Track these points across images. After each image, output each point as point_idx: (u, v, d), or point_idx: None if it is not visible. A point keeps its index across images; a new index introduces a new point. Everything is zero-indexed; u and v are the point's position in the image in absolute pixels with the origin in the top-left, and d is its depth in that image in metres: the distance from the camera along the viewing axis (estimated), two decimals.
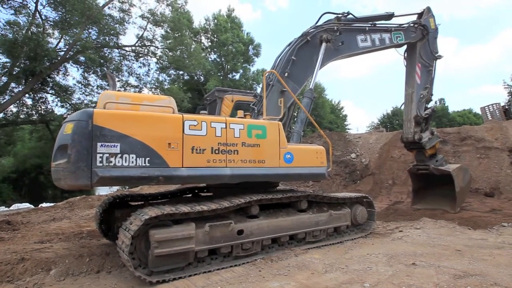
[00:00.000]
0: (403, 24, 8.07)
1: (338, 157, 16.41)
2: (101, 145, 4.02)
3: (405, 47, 8.61)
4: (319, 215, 5.99)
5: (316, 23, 7.01)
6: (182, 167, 4.52)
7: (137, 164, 4.21)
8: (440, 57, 8.69)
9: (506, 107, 23.94)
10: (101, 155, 4.01)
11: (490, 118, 22.45)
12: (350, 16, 7.32)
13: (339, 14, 7.22)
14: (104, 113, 4.18)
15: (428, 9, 8.49)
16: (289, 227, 5.55)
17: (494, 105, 23.38)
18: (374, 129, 40.89)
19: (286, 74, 6.34)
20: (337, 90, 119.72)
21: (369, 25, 7.47)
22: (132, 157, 4.19)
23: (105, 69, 21.07)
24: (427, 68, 8.48)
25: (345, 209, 6.51)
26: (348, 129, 48.09)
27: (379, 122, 53.70)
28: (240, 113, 5.72)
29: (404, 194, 13.36)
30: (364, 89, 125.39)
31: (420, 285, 3.93)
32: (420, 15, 8.44)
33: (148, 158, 4.28)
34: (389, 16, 7.97)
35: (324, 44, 6.69)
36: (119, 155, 4.11)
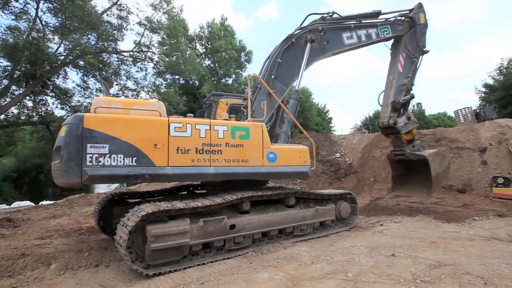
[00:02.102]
0: (389, 18, 7.92)
1: (324, 157, 16.53)
2: (91, 146, 4.11)
3: (392, 40, 8.43)
4: (306, 210, 6.02)
5: (301, 24, 6.85)
6: (168, 166, 4.55)
7: (125, 164, 4.27)
8: (427, 51, 8.51)
9: (477, 110, 24.43)
10: (90, 155, 4.10)
11: (463, 121, 22.92)
12: (335, 15, 7.15)
13: (324, 14, 7.06)
14: (93, 116, 4.28)
15: (420, 5, 8.34)
16: (278, 222, 5.56)
17: (466, 109, 23.87)
18: (357, 130, 41.30)
19: (273, 76, 6.27)
20: (323, 95, 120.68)
21: (355, 22, 7.29)
22: (120, 157, 4.25)
23: (104, 73, 20.78)
24: (411, 59, 8.32)
25: (330, 204, 6.55)
26: (333, 130, 48.43)
27: (361, 124, 54.24)
28: (225, 115, 5.75)
29: (384, 191, 13.54)
30: (348, 94, 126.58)
31: (399, 275, 3.98)
32: (410, 10, 8.31)
33: (135, 158, 4.33)
34: (377, 14, 7.80)
35: (308, 45, 6.56)
36: (108, 155, 4.18)
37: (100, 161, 4.13)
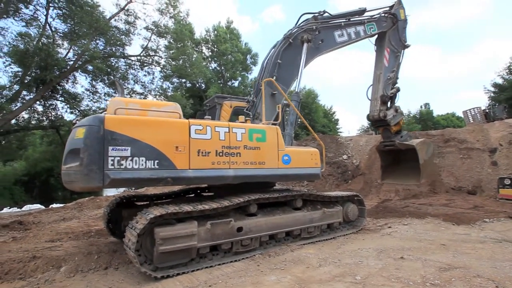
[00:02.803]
0: (374, 15, 8.16)
1: (331, 159, 16.44)
2: (113, 149, 4.00)
3: (376, 35, 8.69)
4: (313, 212, 6.00)
5: (296, 24, 6.96)
6: (189, 168, 4.51)
7: (147, 167, 4.19)
8: (408, 45, 8.86)
9: (487, 110, 24.09)
10: (112, 158, 3.99)
11: (472, 121, 22.61)
12: (326, 14, 7.32)
13: (315, 13, 7.19)
14: (115, 118, 4.16)
15: (399, 1, 8.64)
16: (285, 224, 5.55)
17: (475, 109, 23.55)
18: (364, 132, 41.01)
19: (274, 78, 6.30)
20: (329, 96, 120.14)
21: (344, 20, 7.49)
22: (142, 160, 4.17)
23: (112, 77, 21.02)
24: (395, 54, 8.65)
25: (337, 207, 6.52)
26: (340, 132, 48.11)
27: (368, 126, 53.84)
28: (242, 118, 5.75)
29: (392, 193, 13.40)
30: (354, 95, 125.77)
31: (408, 277, 3.94)
32: (391, 7, 8.58)
33: (157, 161, 4.27)
34: (362, 11, 8.04)
35: (305, 45, 6.64)
36: (130, 158, 4.09)
37: (122, 164, 4.04)
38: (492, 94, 35.61)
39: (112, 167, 3.97)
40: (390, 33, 8.41)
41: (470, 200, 11.19)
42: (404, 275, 4.02)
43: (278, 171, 5.50)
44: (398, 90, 8.45)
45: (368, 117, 8.52)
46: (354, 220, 6.89)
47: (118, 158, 4.02)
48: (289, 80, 6.57)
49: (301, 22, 7.05)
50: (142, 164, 4.17)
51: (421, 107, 61.47)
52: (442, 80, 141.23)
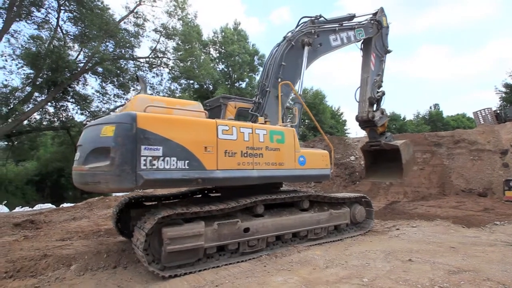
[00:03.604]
0: (362, 22, 8.48)
1: (338, 160, 16.36)
2: (145, 148, 3.85)
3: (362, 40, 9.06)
4: (320, 214, 5.98)
5: (296, 27, 7.14)
6: (217, 169, 4.47)
7: (178, 167, 4.08)
8: (390, 51, 9.38)
9: (498, 111, 23.64)
10: (145, 158, 3.83)
11: (483, 122, 22.23)
12: (321, 18, 7.55)
13: (312, 17, 7.38)
14: (147, 116, 4.01)
15: (382, 9, 9.02)
16: (292, 225, 5.55)
17: (486, 109, 23.16)
18: None
19: (279, 80, 6.36)
20: (337, 97, 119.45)
21: (337, 25, 7.72)
22: (173, 160, 4.05)
23: (121, 79, 21.27)
24: (379, 58, 9.09)
25: (344, 208, 6.49)
26: (348, 133, 47.81)
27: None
28: (261, 119, 5.83)
29: (401, 194, 13.29)
30: None
31: (416, 280, 3.89)
32: (375, 14, 8.91)
33: (188, 161, 4.19)
34: (351, 17, 8.40)
35: (306, 48, 6.79)
36: (161, 158, 3.96)
37: (154, 164, 3.89)
38: (503, 95, 34.97)
39: (145, 167, 3.83)
40: (376, 39, 8.84)
41: (480, 202, 11.01)
42: (412, 278, 3.97)
43: (295, 172, 5.57)
44: (383, 93, 8.87)
45: (357, 118, 8.85)
46: (361, 221, 6.85)
47: (150, 158, 3.87)
48: (292, 82, 6.67)
49: (301, 25, 7.22)
50: (173, 165, 4.05)
51: (430, 108, 60.76)
52: (452, 81, 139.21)
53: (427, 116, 59.18)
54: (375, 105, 8.70)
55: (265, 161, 5.09)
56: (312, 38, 6.88)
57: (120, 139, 3.75)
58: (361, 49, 8.92)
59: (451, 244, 5.72)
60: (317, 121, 7.27)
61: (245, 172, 4.82)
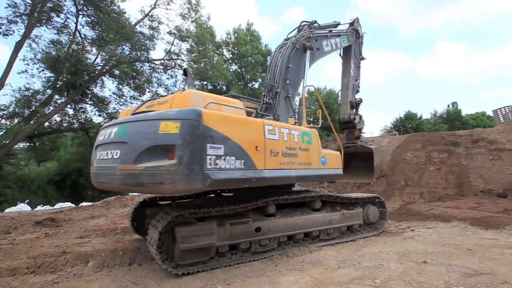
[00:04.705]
0: (344, 30, 8.81)
1: None
2: (210, 147, 3.72)
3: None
4: (332, 214, 5.93)
5: (299, 31, 7.25)
6: (265, 169, 4.44)
7: (236, 167, 4.00)
8: (364, 58, 9.86)
9: None
10: (210, 157, 3.70)
11: (503, 120, 21.43)
12: (315, 24, 7.74)
13: (309, 22, 7.58)
14: (211, 113, 3.87)
15: (357, 19, 9.44)
16: (303, 225, 5.53)
17: (506, 107, 22.30)
18: (387, 132, 39.88)
19: (288, 82, 6.42)
20: None
21: (328, 31, 7.93)
22: (232, 159, 3.96)
23: (137, 81, 21.65)
24: (357, 65, 9.54)
25: (357, 208, 6.42)
26: (362, 133, 47.04)
27: (392, 126, 52.28)
28: (291, 120, 5.94)
29: (416, 195, 12.97)
30: (377, 96, 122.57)
31: (430, 283, 3.82)
32: (351, 24, 9.23)
33: (243, 161, 4.11)
34: (337, 25, 8.71)
35: (308, 51, 6.90)
36: (223, 157, 3.86)
37: (217, 164, 3.76)
38: None
39: (210, 166, 3.69)
40: (354, 46, 9.27)
41: (500, 203, 10.61)
42: (426, 280, 3.89)
43: (319, 172, 5.61)
44: (361, 100, 9.32)
45: (339, 119, 9.36)
46: (375, 222, 6.75)
47: (214, 157, 3.74)
48: (297, 84, 6.77)
49: (302, 30, 7.38)
50: (232, 164, 3.95)
51: (448, 106, 59.12)
52: (471, 78, 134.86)
53: (444, 114, 57.59)
54: (354, 109, 9.17)
55: (299, 161, 5.13)
56: (312, 42, 7.06)
57: (188, 137, 3.57)
58: (340, 56, 9.34)
59: (468, 246, 5.56)
60: (331, 120, 7.28)
61: (286, 172, 4.83)
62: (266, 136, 4.51)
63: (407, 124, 51.30)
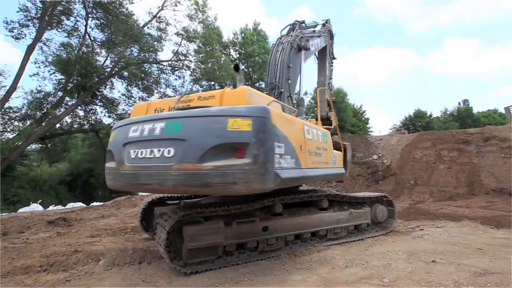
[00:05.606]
0: (321, 31, 8.94)
1: (360, 159, 16.04)
2: (277, 145, 3.67)
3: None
4: (340, 213, 5.91)
5: (292, 30, 7.37)
6: (306, 168, 4.47)
7: (291, 166, 3.97)
8: (335, 58, 10.05)
9: None
10: (277, 155, 3.64)
11: None
12: (303, 24, 7.88)
13: (299, 22, 7.74)
14: (275, 112, 3.79)
15: (329, 20, 9.55)
16: (311, 224, 5.52)
17: None
18: (396, 131, 39.44)
19: (289, 81, 6.48)
20: (360, 95, 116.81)
21: (312, 32, 8.09)
22: (288, 158, 3.92)
23: (146, 82, 21.88)
24: (330, 64, 9.72)
25: (365, 208, 6.38)
26: (371, 131, 46.60)
27: (401, 124, 51.65)
28: (313, 120, 6.06)
29: (426, 194, 12.82)
30: (385, 94, 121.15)
31: (439, 282, 3.78)
32: (324, 24, 9.33)
33: (294, 160, 4.11)
34: (316, 25, 8.89)
35: (303, 51, 6.99)
36: (284, 156, 3.80)
37: (280, 163, 3.70)
38: None
39: (277, 165, 3.62)
40: (329, 46, 9.43)
41: None
42: (435, 280, 3.86)
43: (333, 171, 5.73)
44: (334, 101, 9.49)
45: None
46: (383, 221, 6.70)
47: (278, 155, 3.67)
48: (295, 83, 6.85)
49: (288, 30, 7.51)
50: (288, 163, 3.92)
51: (459, 104, 58.06)
52: (482, 75, 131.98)
53: (455, 112, 56.61)
54: (329, 107, 9.25)
55: (323, 160, 5.21)
56: (304, 42, 7.13)
57: (261, 135, 3.45)
58: (316, 56, 9.44)
59: (478, 246, 5.48)
60: (339, 119, 7.35)
61: (317, 171, 4.89)
62: (305, 136, 4.58)
63: (417, 123, 50.63)
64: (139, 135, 4.02)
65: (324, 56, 9.43)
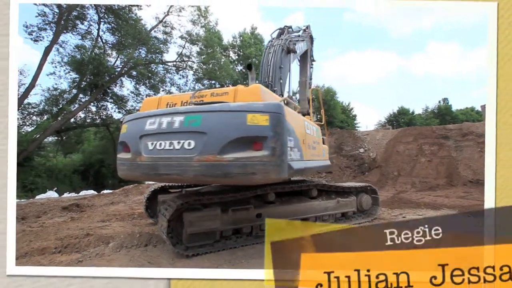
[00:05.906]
0: (304, 35, 8.71)
1: (348, 152, 16.07)
2: (289, 139, 3.77)
3: None
4: (328, 202, 5.92)
5: (283, 34, 7.28)
6: (307, 160, 4.59)
7: (297, 158, 4.09)
8: (315, 60, 9.86)
9: None
10: (289, 148, 3.75)
11: None
12: (290, 29, 7.80)
13: (287, 26, 7.66)
14: (287, 109, 3.95)
15: (309, 26, 9.34)
16: (301, 212, 5.53)
17: None
18: (381, 127, 39.45)
19: (281, 81, 6.41)
20: (349, 94, 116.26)
21: (298, 36, 7.91)
22: (296, 151, 4.03)
23: (152, 81, 21.74)
24: (310, 66, 9.61)
25: (351, 197, 6.40)
26: (358, 127, 46.39)
27: (386, 121, 51.54)
28: (309, 116, 6.17)
29: (408, 184, 12.90)
30: (372, 93, 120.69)
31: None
32: (305, 30, 9.11)
33: (300, 152, 4.20)
34: (299, 30, 8.64)
35: (292, 54, 6.91)
36: (293, 149, 3.91)
37: (290, 155, 3.78)
38: None
39: (289, 157, 3.72)
40: (309, 50, 9.30)
41: None
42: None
43: (323, 163, 5.85)
44: (313, 100, 9.37)
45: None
46: (368, 209, 6.73)
47: (289, 148, 3.75)
48: (285, 82, 6.77)
49: (278, 34, 7.42)
50: (296, 155, 4.01)
51: (439, 102, 57.93)
52: (462, 75, 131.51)
53: (436, 110, 56.58)
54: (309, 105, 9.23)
55: (317, 153, 5.32)
56: (292, 45, 7.03)
57: (278, 129, 3.52)
58: (298, 59, 9.28)
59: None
60: (328, 116, 7.35)
61: (313, 162, 4.98)
62: (306, 131, 4.69)
63: (400, 119, 50.47)
64: (157, 128, 3.91)
65: (306, 58, 9.38)
